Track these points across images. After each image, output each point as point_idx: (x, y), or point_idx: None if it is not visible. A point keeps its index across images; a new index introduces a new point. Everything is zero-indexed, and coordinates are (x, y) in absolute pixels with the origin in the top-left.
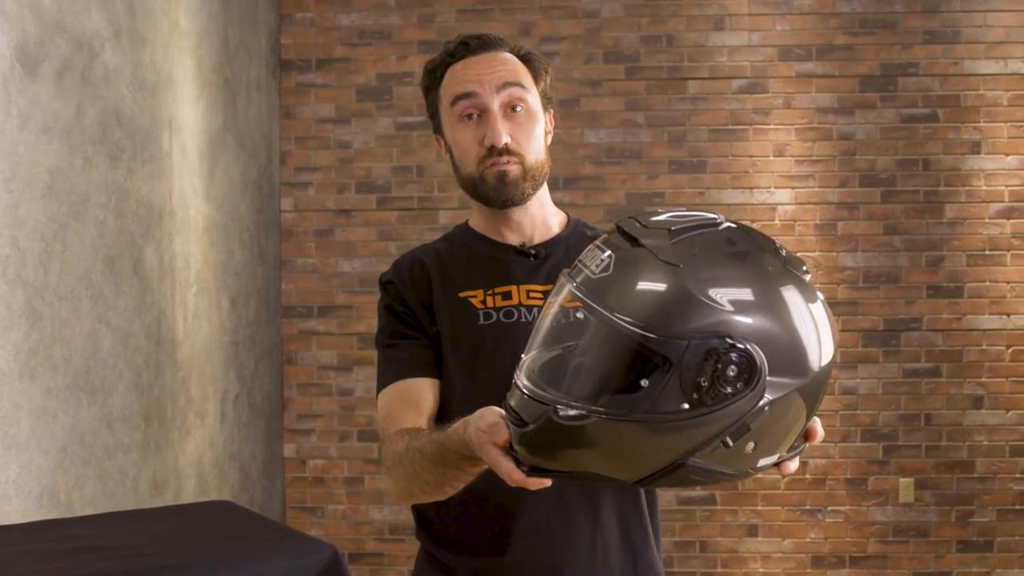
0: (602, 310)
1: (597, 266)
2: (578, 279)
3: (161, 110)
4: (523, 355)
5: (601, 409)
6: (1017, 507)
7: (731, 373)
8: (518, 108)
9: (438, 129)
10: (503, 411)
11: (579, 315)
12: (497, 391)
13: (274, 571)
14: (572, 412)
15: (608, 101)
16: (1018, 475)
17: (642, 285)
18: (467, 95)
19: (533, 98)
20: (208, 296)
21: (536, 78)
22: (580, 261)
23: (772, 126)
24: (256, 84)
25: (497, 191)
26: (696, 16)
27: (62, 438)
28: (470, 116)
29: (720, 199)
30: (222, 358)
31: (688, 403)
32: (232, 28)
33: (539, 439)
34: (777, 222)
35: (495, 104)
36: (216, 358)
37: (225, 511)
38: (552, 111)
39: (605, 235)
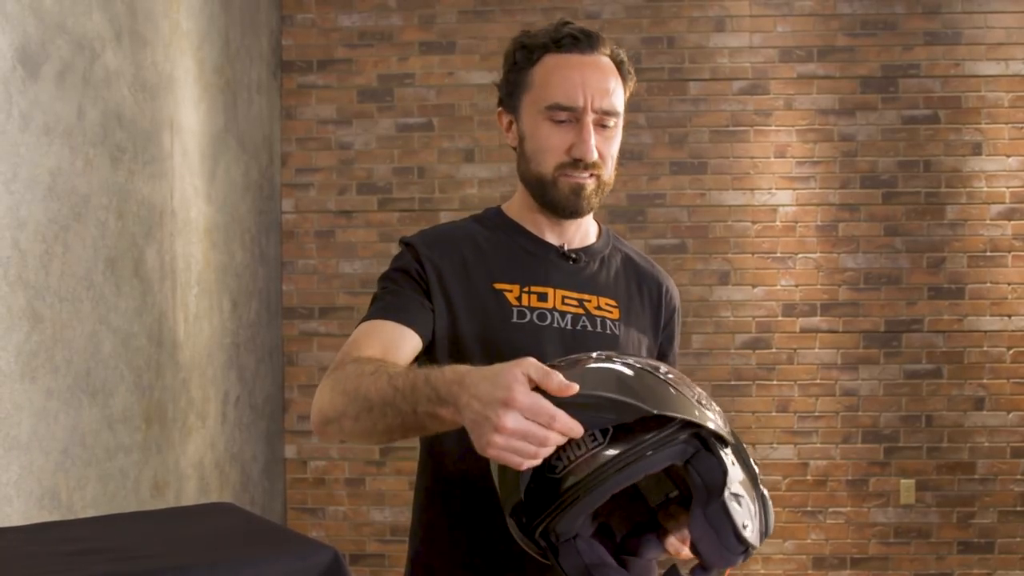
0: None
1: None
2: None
3: (162, 111)
4: None
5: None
6: (1018, 508)
7: None
8: (609, 124)
9: (511, 107)
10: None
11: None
12: None
13: (275, 573)
14: None
15: None
16: (1019, 476)
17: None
18: (567, 108)
19: (621, 116)
20: (209, 297)
21: (625, 89)
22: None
23: (773, 127)
24: (257, 85)
25: (569, 201)
26: (697, 17)
27: (63, 439)
28: (561, 120)
29: (721, 200)
30: (223, 359)
31: None
32: (233, 29)
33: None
34: (778, 223)
35: (590, 117)
36: (217, 359)
37: (226, 513)
38: None
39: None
